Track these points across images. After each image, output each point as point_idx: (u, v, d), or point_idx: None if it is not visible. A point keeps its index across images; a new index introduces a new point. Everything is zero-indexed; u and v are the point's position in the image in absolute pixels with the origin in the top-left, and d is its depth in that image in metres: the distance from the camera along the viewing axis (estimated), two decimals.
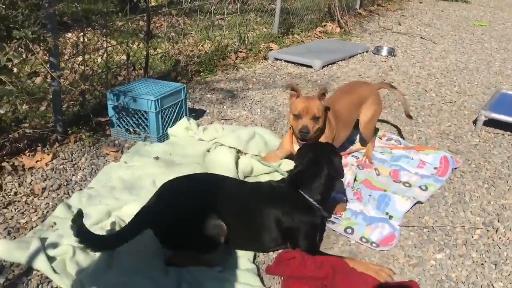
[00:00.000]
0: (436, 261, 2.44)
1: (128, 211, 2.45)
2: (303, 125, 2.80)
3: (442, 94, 4.89)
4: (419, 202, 2.90)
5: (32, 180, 2.86)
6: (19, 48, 2.45)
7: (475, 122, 4.13)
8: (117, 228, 2.38)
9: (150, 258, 2.22)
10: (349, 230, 2.57)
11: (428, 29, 7.98)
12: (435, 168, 3.27)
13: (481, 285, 2.30)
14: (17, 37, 2.41)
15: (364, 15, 8.65)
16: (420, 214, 2.82)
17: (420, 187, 3.02)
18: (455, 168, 3.37)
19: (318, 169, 2.40)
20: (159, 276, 2.13)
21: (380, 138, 3.66)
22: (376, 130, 3.63)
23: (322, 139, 2.93)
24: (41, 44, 2.55)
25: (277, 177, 2.87)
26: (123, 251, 2.20)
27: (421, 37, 7.31)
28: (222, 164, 2.92)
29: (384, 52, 6.16)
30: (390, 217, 2.72)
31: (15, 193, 2.73)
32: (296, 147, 2.92)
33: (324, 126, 2.94)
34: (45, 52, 2.90)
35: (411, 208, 2.83)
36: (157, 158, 3.06)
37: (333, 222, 2.64)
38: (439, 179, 3.15)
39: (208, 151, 3.14)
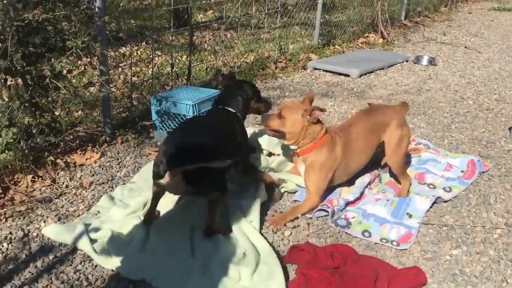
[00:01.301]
0: (451, 257, 2.52)
1: (161, 201, 2.71)
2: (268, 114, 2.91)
3: (479, 102, 4.89)
4: (439, 198, 2.97)
5: (81, 175, 3.19)
6: (71, 57, 2.79)
7: (510, 128, 4.12)
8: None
9: (179, 242, 2.46)
10: (366, 234, 2.65)
11: (474, 39, 7.89)
12: (462, 171, 3.33)
13: (495, 280, 2.36)
14: (70, 46, 2.76)
15: (409, 26, 8.67)
16: (441, 214, 2.90)
17: (444, 188, 3.09)
18: (483, 172, 3.40)
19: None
20: (187, 257, 2.36)
21: (409, 143, 3.73)
22: (408, 162, 3.31)
23: (316, 164, 2.78)
24: (90, 52, 2.88)
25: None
26: (154, 237, 2.47)
27: (465, 47, 7.25)
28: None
29: (425, 61, 6.19)
30: (410, 216, 2.81)
31: (66, 186, 3.06)
32: (300, 168, 2.95)
33: (299, 137, 2.79)
34: (95, 60, 3.24)
35: (431, 207, 2.91)
36: None
37: (347, 227, 2.71)
38: (465, 181, 3.20)
39: None
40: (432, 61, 6.19)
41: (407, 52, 6.85)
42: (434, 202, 2.95)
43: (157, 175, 2.27)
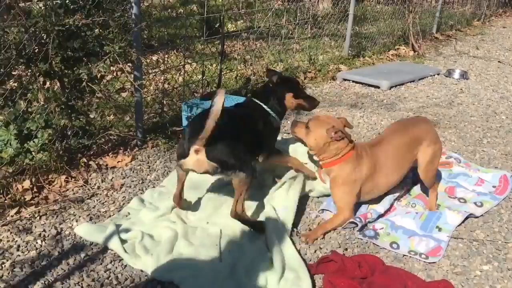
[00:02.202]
0: (482, 272, 2.48)
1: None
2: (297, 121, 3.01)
3: None
4: (471, 215, 2.92)
5: (113, 177, 3.27)
6: (108, 62, 2.87)
7: None
8: (179, 221, 2.70)
9: (207, 246, 2.49)
10: (394, 245, 2.62)
11: (508, 54, 7.75)
12: (493, 186, 3.27)
13: None
14: (107, 51, 2.85)
15: (441, 39, 8.58)
16: (472, 228, 2.85)
17: (475, 203, 3.04)
18: None
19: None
20: (215, 261, 2.39)
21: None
22: (439, 175, 3.29)
23: (339, 179, 2.78)
24: (126, 58, 2.96)
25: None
26: (182, 240, 2.51)
27: (498, 61, 7.13)
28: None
29: (456, 75, 6.11)
30: (440, 229, 2.77)
31: (98, 187, 3.13)
32: (324, 177, 2.95)
33: (320, 151, 2.81)
34: (130, 65, 3.33)
35: (463, 222, 2.86)
36: None
37: (375, 238, 2.69)
38: (497, 197, 3.14)
39: None
40: (464, 75, 6.11)
41: (438, 65, 6.77)
42: (466, 218, 2.90)
43: (181, 155, 2.43)
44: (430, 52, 7.62)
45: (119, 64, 3.13)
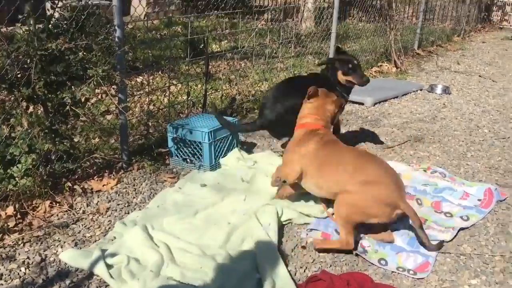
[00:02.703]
0: (470, 286, 2.48)
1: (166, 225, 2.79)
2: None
3: (495, 130, 4.87)
4: (461, 229, 2.92)
5: (98, 201, 3.23)
6: (91, 85, 2.87)
7: None
8: (165, 244, 2.67)
9: (193, 270, 2.46)
10: (383, 262, 2.62)
11: (488, 68, 7.91)
12: (478, 199, 3.29)
13: None
14: (90, 74, 2.84)
15: (423, 55, 8.73)
16: (459, 242, 2.86)
17: (461, 217, 3.05)
18: (501, 201, 3.36)
19: None
20: (202, 283, 2.36)
21: (425, 171, 3.70)
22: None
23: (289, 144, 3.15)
24: (110, 80, 2.96)
25: None
26: (169, 263, 2.48)
27: (479, 76, 7.27)
28: (265, 191, 3.17)
29: (439, 90, 6.21)
30: None
31: (83, 212, 3.09)
32: None
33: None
34: (114, 88, 3.32)
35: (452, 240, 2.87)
36: (204, 185, 3.35)
37: (365, 253, 2.68)
38: (482, 210, 3.17)
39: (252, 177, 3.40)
40: (446, 90, 6.21)
41: (421, 81, 6.88)
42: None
43: None
44: (413, 68, 7.74)
45: (102, 87, 3.13)
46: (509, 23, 13.48)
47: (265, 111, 3.67)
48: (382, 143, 4.38)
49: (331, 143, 2.97)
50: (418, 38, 8.99)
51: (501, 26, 13.00)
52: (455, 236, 2.88)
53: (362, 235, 2.84)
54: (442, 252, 2.75)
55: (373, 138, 4.51)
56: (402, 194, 2.68)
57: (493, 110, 5.57)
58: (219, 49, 8.08)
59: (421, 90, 6.32)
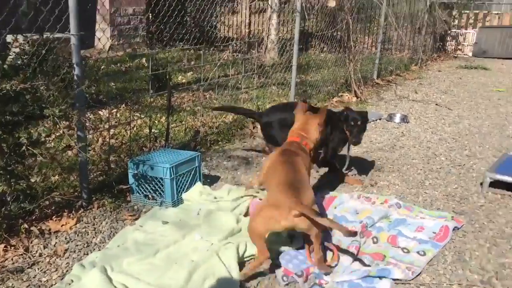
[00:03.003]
0: None
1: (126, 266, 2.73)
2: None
3: (451, 158, 5.04)
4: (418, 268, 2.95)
5: (56, 243, 3.14)
6: (48, 125, 2.83)
7: (482, 184, 4.23)
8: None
9: None
10: None
11: (444, 96, 8.22)
12: (434, 232, 3.32)
13: None
14: (47, 114, 2.81)
15: (382, 84, 9.01)
16: None
17: (418, 252, 3.07)
18: (458, 228, 3.46)
19: None
20: None
21: (382, 203, 3.75)
22: None
23: None
24: (68, 119, 2.93)
25: None
26: None
27: (436, 104, 7.54)
28: (224, 225, 3.17)
29: (397, 119, 6.40)
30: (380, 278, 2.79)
31: (40, 254, 3.00)
32: None
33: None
34: (72, 127, 3.28)
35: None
36: (166, 222, 3.31)
37: None
38: (437, 244, 3.18)
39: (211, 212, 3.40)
40: (404, 119, 6.41)
41: (380, 110, 7.08)
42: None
43: None
44: (372, 98, 7.97)
45: (63, 123, 3.09)
46: (462, 52, 14.12)
47: (266, 112, 4.52)
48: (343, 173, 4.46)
49: (286, 153, 3.17)
50: (377, 68, 9.28)
51: (455, 55, 13.58)
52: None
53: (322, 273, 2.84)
54: (402, 283, 2.79)
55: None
56: (295, 197, 2.69)
57: (449, 137, 5.78)
58: (184, 80, 8.13)
59: (380, 119, 6.49)
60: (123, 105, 6.32)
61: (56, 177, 4.00)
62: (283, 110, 4.25)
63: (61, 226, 3.33)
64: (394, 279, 2.78)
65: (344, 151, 4.36)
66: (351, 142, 4.09)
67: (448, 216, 3.55)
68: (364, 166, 4.69)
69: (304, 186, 2.89)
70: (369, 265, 2.92)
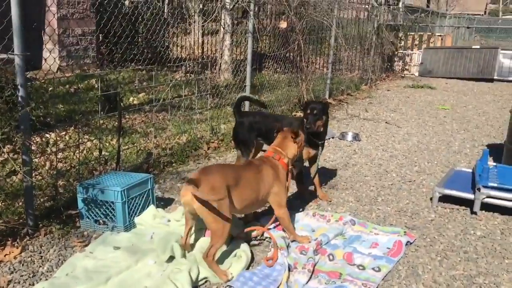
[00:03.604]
0: None
1: None
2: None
3: (402, 174, 5.17)
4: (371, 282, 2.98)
5: None
6: None
7: (432, 199, 4.35)
8: None
9: None
10: None
11: (393, 114, 8.49)
12: (388, 248, 3.38)
13: None
14: None
15: (334, 104, 9.19)
16: None
17: (373, 268, 3.10)
18: (411, 243, 3.53)
19: None
20: None
21: (337, 221, 3.77)
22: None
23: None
24: (11, 143, 2.79)
25: None
26: None
27: (386, 122, 7.77)
28: (181, 251, 3.10)
29: (349, 137, 6.53)
30: None
31: None
32: None
33: None
34: (17, 151, 3.13)
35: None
36: (117, 248, 3.20)
37: None
38: (392, 259, 3.23)
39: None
40: (356, 137, 6.55)
41: (333, 128, 7.21)
42: None
43: None
44: None
45: (7, 146, 2.94)
46: (409, 72, 14.68)
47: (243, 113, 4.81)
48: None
49: (246, 162, 3.63)
50: (329, 88, 9.49)
51: (403, 75, 14.09)
52: None
53: None
54: None
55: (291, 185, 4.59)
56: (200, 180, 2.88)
57: (400, 154, 5.94)
58: (136, 102, 7.99)
59: (333, 138, 6.61)
60: (72, 127, 6.12)
61: (0, 203, 3.79)
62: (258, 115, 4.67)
63: (5, 256, 3.15)
64: None
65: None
66: (305, 128, 4.05)
67: (401, 231, 3.62)
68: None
69: (232, 183, 3.00)
70: (326, 283, 2.92)
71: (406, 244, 3.46)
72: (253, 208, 3.39)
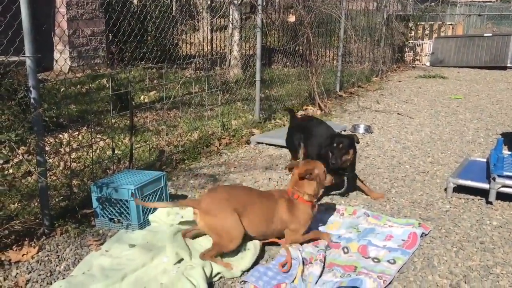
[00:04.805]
0: None
1: None
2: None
3: (415, 165, 5.13)
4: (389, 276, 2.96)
5: (17, 273, 3.00)
6: (4, 150, 2.72)
7: (446, 189, 4.31)
8: None
9: None
10: None
11: (405, 105, 8.42)
12: (402, 240, 3.36)
13: None
14: (2, 140, 2.70)
15: (345, 96, 9.15)
16: None
17: (388, 261, 3.09)
18: (426, 234, 3.51)
19: None
20: None
21: (351, 215, 3.78)
22: None
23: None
24: (25, 144, 2.82)
25: None
26: None
27: (397, 113, 7.71)
28: (195, 247, 3.11)
29: (361, 129, 6.50)
30: None
31: (0, 287, 2.86)
32: None
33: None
34: (32, 152, 3.17)
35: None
36: (132, 245, 3.22)
37: None
38: (407, 251, 3.22)
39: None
40: (368, 129, 6.51)
41: (344, 121, 7.18)
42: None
43: None
44: (336, 110, 8.07)
45: (22, 148, 2.98)
46: (420, 62, 14.55)
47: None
48: None
49: (270, 191, 3.50)
50: (339, 81, 9.43)
51: (414, 66, 13.99)
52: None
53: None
54: None
55: None
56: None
57: (412, 146, 5.90)
58: (147, 100, 8.03)
59: (345, 130, 6.57)
60: (85, 127, 6.17)
61: (16, 204, 3.84)
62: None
63: (22, 255, 3.19)
64: None
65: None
66: (330, 163, 3.92)
67: (415, 223, 3.60)
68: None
69: (238, 207, 3.07)
70: (341, 276, 2.91)
71: (421, 236, 3.44)
72: (268, 236, 3.27)
